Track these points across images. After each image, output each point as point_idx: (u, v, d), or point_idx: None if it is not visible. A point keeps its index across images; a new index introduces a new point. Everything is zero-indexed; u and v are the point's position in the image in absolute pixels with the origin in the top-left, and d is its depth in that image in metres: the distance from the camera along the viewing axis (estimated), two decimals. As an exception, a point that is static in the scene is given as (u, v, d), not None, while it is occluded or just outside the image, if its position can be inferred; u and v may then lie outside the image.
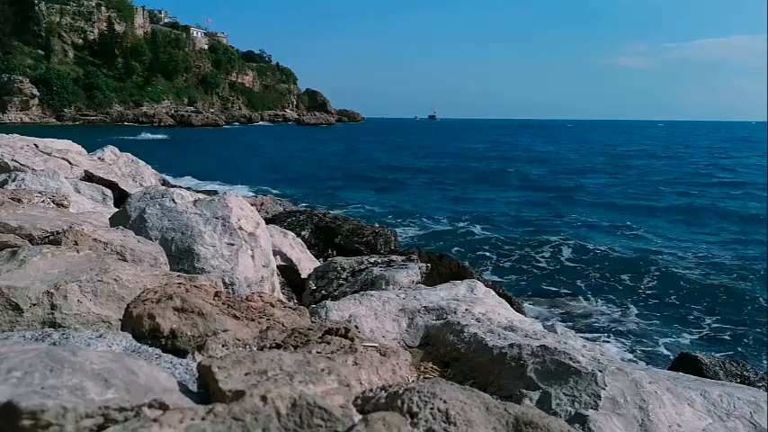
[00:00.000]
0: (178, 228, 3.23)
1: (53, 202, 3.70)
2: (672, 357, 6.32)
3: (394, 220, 15.27)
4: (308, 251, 5.62)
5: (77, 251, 2.13)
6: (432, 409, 1.04)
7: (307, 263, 5.17)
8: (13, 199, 3.26)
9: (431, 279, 4.59)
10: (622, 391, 1.94)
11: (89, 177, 6.40)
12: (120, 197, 5.72)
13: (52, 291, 1.75)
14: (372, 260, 4.78)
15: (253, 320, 1.69)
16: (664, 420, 1.88)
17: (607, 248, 12.56)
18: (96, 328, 1.73)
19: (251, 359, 1.12)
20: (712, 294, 9.55)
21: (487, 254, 12.05)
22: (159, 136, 52.72)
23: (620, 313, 8.52)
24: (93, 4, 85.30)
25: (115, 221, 3.37)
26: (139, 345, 1.45)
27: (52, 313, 1.72)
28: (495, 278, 9.49)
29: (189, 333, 1.56)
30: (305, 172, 27.13)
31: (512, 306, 3.69)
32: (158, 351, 1.43)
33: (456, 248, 11.98)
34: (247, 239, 3.36)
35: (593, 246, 12.78)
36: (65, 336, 1.43)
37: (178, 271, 2.55)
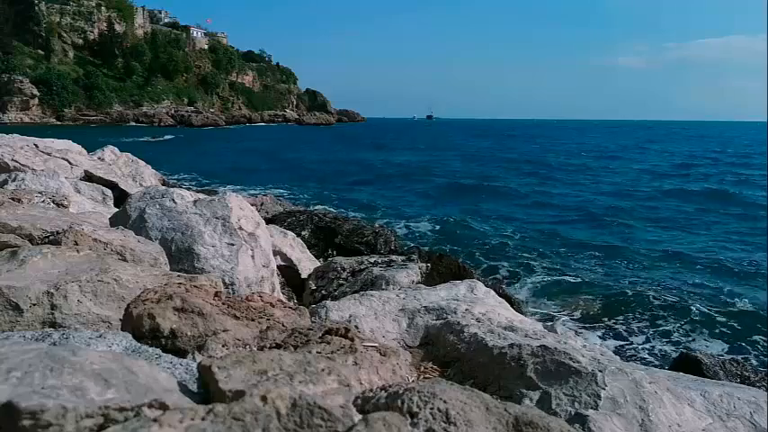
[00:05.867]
0: (178, 228, 3.23)
1: (53, 202, 3.70)
2: (672, 357, 6.33)
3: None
4: (308, 251, 5.62)
5: (77, 251, 2.13)
6: (432, 409, 1.04)
7: (307, 263, 5.17)
8: (13, 199, 3.25)
9: (431, 279, 4.59)
10: (622, 391, 1.94)
11: (89, 177, 6.40)
12: (120, 197, 5.72)
13: (52, 291, 1.75)
14: (372, 260, 4.78)
15: (253, 320, 1.69)
16: (664, 420, 1.88)
17: (606, 248, 12.57)
18: (96, 328, 1.72)
19: (251, 359, 1.12)
20: (712, 294, 9.55)
21: (488, 253, 12.05)
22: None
23: (620, 313, 8.52)
24: (93, 4, 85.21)
25: (115, 221, 3.37)
26: (139, 345, 1.45)
27: (52, 313, 1.72)
28: (495, 278, 9.49)
29: (189, 333, 1.56)
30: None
31: (512, 306, 3.69)
32: (158, 351, 1.43)
33: (456, 248, 11.97)
34: (247, 239, 3.36)
35: (592, 245, 12.79)
36: (65, 336, 1.42)
37: (178, 271, 2.55)
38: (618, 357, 2.79)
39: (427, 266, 4.81)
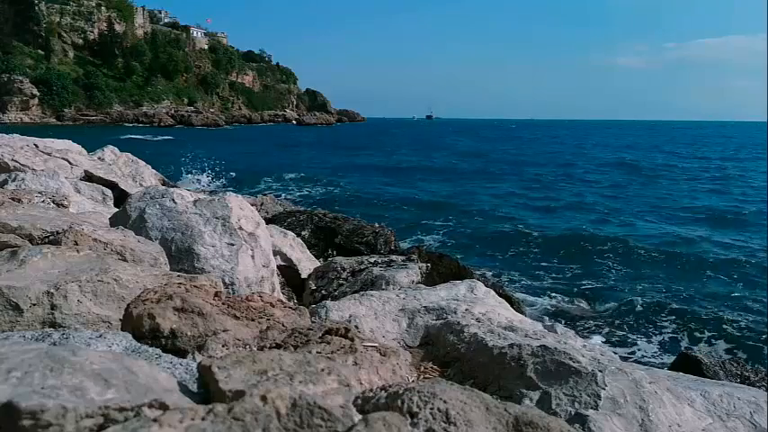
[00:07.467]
0: (178, 228, 3.23)
1: (53, 202, 3.70)
2: (672, 357, 6.33)
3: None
4: (308, 251, 5.61)
5: (77, 251, 2.13)
6: (432, 409, 1.04)
7: (307, 263, 5.17)
8: (13, 199, 3.25)
9: (431, 279, 4.59)
10: (622, 391, 1.94)
11: (89, 177, 6.39)
12: (120, 197, 5.72)
13: (52, 291, 1.75)
14: (372, 260, 4.79)
15: (253, 320, 1.69)
16: (664, 420, 1.88)
17: (606, 249, 12.57)
18: (96, 328, 1.72)
19: (251, 359, 1.12)
20: (713, 294, 9.55)
21: (488, 254, 12.05)
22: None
23: (620, 313, 8.52)
24: (93, 4, 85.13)
25: (115, 221, 3.37)
26: (139, 345, 1.45)
27: (52, 313, 1.72)
28: (496, 278, 9.49)
29: (189, 333, 1.56)
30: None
31: (512, 306, 3.69)
32: (158, 351, 1.43)
33: (456, 248, 11.97)
34: (247, 239, 3.36)
35: (591, 246, 12.79)
36: (65, 336, 1.42)
37: (178, 271, 2.55)
38: (618, 357, 2.79)
39: (427, 266, 4.81)
